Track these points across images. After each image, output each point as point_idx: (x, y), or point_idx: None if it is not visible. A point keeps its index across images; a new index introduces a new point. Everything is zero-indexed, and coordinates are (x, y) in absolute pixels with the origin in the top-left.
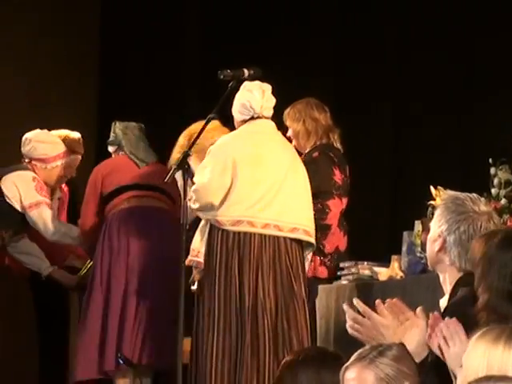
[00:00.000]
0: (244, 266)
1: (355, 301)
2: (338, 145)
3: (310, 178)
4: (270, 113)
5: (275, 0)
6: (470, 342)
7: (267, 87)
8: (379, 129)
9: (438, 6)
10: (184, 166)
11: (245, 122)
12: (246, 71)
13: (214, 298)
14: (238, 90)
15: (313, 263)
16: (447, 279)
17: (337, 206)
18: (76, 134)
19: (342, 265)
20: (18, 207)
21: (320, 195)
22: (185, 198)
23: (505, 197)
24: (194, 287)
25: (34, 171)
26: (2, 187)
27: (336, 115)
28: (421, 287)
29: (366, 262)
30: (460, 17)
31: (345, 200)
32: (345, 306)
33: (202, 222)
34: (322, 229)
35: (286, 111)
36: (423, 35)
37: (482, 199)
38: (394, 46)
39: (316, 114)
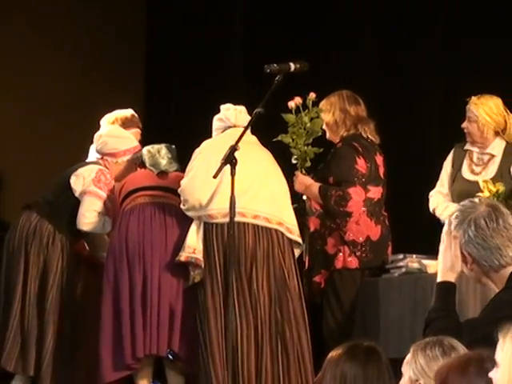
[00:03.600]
0: (239, 258)
1: None
2: (369, 135)
3: (332, 167)
4: (245, 123)
5: None
6: (500, 339)
7: (242, 107)
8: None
9: None
10: (231, 160)
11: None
12: (292, 65)
13: (215, 293)
14: (284, 83)
15: (342, 254)
16: (499, 282)
17: (359, 194)
18: (128, 111)
19: (391, 258)
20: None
21: (341, 183)
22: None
23: None
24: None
25: (105, 166)
26: (72, 183)
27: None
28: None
29: (414, 255)
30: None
31: (376, 189)
32: None
33: (195, 222)
34: (341, 216)
35: (321, 103)
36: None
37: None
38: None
39: (346, 106)
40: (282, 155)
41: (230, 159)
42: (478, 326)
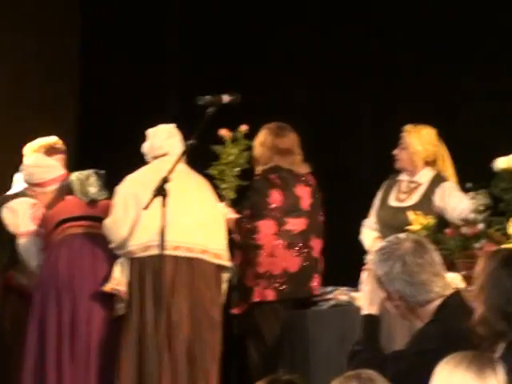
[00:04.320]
0: (158, 291)
1: None
2: (290, 167)
3: (246, 200)
4: (177, 150)
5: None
6: (437, 368)
7: (174, 130)
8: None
9: None
10: (162, 191)
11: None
12: (225, 97)
13: (131, 327)
14: (216, 115)
15: (258, 287)
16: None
17: (269, 227)
18: (51, 139)
19: (319, 290)
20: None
21: (253, 216)
22: None
23: (482, 222)
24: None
25: (34, 197)
26: (2, 215)
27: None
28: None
29: (343, 288)
30: None
31: (296, 220)
32: None
33: (120, 258)
34: (251, 248)
35: None
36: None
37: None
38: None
39: (267, 139)
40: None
41: (160, 191)
42: (403, 358)
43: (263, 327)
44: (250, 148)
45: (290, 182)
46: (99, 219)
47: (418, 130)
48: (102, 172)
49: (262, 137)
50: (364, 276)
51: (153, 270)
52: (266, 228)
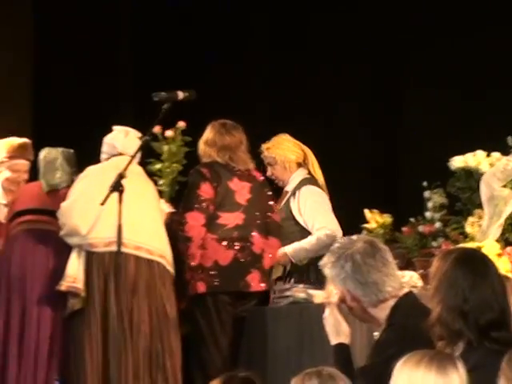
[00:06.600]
0: (120, 288)
1: None
2: (230, 162)
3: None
4: (132, 151)
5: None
6: (396, 367)
7: (132, 131)
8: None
9: None
10: (119, 187)
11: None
12: (180, 93)
13: (92, 323)
14: (171, 111)
15: (192, 281)
16: (380, 317)
17: (196, 218)
18: (19, 140)
19: (276, 287)
20: None
21: (182, 208)
22: None
23: (439, 220)
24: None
25: None
26: None
27: None
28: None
29: (301, 285)
30: None
31: (230, 215)
32: None
33: (75, 250)
34: (182, 240)
35: None
36: None
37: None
38: None
39: (210, 136)
40: None
41: (117, 186)
42: (371, 370)
43: (201, 322)
44: (187, 144)
45: (223, 175)
46: (54, 214)
47: (273, 142)
48: (71, 151)
49: (206, 134)
50: (325, 309)
51: (114, 266)
52: (192, 220)
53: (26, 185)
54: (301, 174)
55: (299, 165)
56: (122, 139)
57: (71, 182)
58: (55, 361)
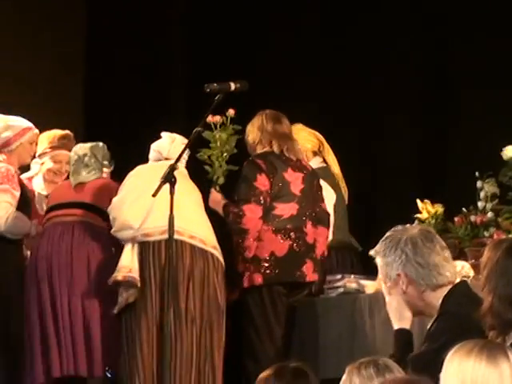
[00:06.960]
0: (178, 277)
1: None
2: (286, 152)
3: (236, 185)
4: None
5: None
6: (447, 357)
7: (179, 137)
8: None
9: None
10: (171, 178)
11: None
12: (232, 84)
13: (149, 316)
14: (224, 103)
15: (248, 272)
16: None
17: (254, 211)
18: (62, 132)
19: (328, 278)
20: None
21: (240, 200)
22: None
23: (491, 210)
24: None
25: (5, 160)
26: None
27: None
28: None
29: (352, 275)
30: None
31: (286, 205)
32: None
33: (128, 245)
34: (238, 232)
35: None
36: None
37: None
38: None
39: (264, 124)
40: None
41: (169, 177)
42: (422, 357)
43: (254, 312)
44: (237, 133)
45: (278, 166)
46: (79, 205)
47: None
48: (100, 144)
49: (259, 122)
50: (386, 296)
51: (170, 254)
52: (250, 212)
53: (60, 183)
54: (315, 162)
55: (315, 153)
56: (169, 145)
57: (100, 174)
58: (95, 351)
